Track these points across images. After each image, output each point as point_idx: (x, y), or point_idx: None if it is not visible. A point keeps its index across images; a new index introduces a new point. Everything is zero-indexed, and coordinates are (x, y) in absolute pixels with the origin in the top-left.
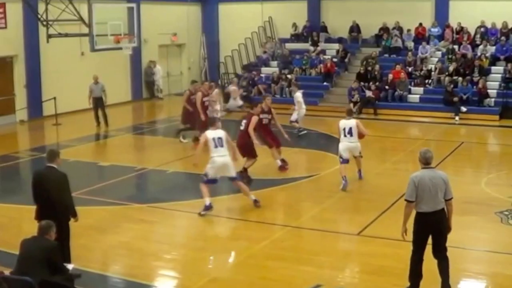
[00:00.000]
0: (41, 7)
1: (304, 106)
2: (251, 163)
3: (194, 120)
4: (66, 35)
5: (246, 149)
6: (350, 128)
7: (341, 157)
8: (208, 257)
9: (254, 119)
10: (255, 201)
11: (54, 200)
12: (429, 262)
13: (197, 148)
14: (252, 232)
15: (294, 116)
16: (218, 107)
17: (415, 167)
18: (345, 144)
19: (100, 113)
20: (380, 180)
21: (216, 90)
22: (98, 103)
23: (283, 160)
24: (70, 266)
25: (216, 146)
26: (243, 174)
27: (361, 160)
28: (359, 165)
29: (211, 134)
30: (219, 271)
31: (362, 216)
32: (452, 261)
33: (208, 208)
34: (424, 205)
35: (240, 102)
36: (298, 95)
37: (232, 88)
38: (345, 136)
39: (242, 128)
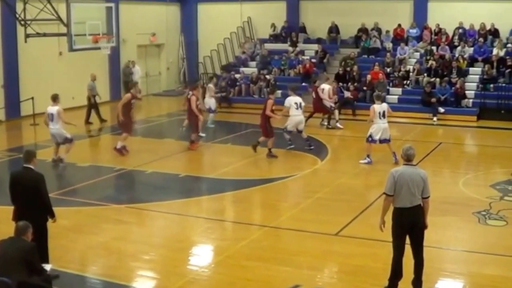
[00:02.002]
0: (19, 7)
1: (296, 113)
2: (271, 142)
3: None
4: (44, 34)
5: (265, 130)
6: (384, 111)
7: (371, 137)
8: (186, 257)
9: (270, 102)
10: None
11: (31, 200)
12: (409, 261)
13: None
14: (231, 232)
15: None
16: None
17: (393, 167)
18: (379, 126)
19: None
20: (359, 181)
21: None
22: (95, 100)
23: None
24: (48, 267)
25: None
26: (269, 154)
27: (391, 145)
28: (392, 148)
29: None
30: (197, 271)
31: (340, 216)
32: (430, 261)
33: None
34: (401, 200)
35: (211, 103)
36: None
37: (210, 86)
38: (380, 118)
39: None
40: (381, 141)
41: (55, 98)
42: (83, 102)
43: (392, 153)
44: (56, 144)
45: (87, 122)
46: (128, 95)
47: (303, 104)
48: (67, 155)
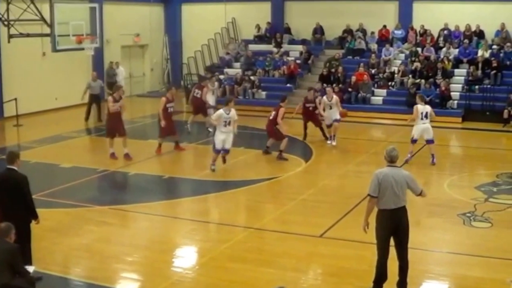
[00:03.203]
0: (2, 7)
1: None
2: (284, 144)
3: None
4: (28, 35)
5: (274, 134)
6: (427, 112)
7: (413, 137)
8: (170, 259)
9: (282, 111)
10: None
11: (14, 202)
12: (393, 263)
13: None
14: (215, 234)
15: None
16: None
17: (378, 169)
18: (420, 126)
19: (96, 108)
20: (343, 182)
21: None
22: (95, 99)
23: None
24: (31, 269)
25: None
26: (280, 156)
27: (432, 147)
28: (432, 151)
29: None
30: (181, 273)
31: (325, 218)
32: (415, 263)
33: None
34: (385, 201)
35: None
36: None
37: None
38: (421, 119)
39: (271, 117)
40: (427, 141)
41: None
42: (67, 103)
43: (431, 155)
44: None
45: (87, 118)
46: (163, 98)
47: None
48: None
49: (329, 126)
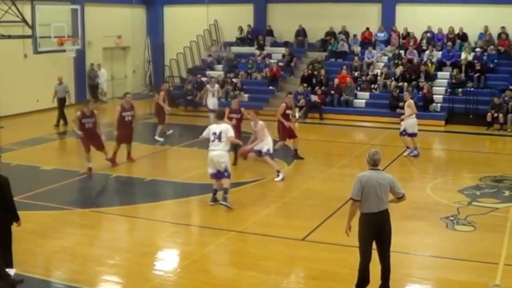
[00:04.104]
0: None
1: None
2: (296, 143)
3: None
4: (9, 36)
5: (283, 133)
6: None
7: (413, 132)
8: (152, 262)
9: (282, 106)
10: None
11: None
12: (375, 267)
13: None
14: (197, 237)
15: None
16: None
17: (361, 171)
18: (415, 120)
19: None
20: (326, 185)
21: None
22: (62, 103)
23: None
24: (12, 272)
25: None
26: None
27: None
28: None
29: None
30: (163, 276)
31: (307, 222)
32: (397, 266)
33: None
34: (368, 205)
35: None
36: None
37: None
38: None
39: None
40: (415, 135)
41: None
42: (48, 105)
43: (415, 147)
44: None
45: (58, 123)
46: (118, 107)
47: None
48: None
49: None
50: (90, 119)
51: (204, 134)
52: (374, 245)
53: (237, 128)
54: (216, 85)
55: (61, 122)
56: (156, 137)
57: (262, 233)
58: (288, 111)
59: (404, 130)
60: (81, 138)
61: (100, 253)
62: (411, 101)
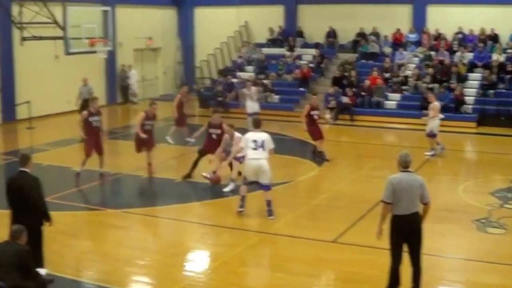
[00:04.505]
0: (15, 10)
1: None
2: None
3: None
4: (41, 38)
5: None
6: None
7: (434, 132)
8: (181, 263)
9: (306, 108)
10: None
11: (27, 204)
12: (406, 269)
13: None
14: (227, 238)
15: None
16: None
17: (392, 174)
18: (438, 122)
19: None
20: (356, 187)
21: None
22: (85, 105)
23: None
24: (43, 271)
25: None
26: (321, 155)
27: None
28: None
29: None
30: (193, 277)
31: (338, 223)
32: (428, 269)
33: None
34: (400, 207)
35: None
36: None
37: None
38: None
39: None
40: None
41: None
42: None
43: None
44: None
45: None
46: (142, 113)
47: None
48: None
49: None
50: (97, 117)
51: (241, 143)
52: (405, 248)
53: (218, 144)
54: (253, 88)
55: None
56: (168, 138)
57: (292, 235)
58: (313, 112)
59: (431, 131)
60: (85, 141)
61: (130, 254)
62: (436, 103)
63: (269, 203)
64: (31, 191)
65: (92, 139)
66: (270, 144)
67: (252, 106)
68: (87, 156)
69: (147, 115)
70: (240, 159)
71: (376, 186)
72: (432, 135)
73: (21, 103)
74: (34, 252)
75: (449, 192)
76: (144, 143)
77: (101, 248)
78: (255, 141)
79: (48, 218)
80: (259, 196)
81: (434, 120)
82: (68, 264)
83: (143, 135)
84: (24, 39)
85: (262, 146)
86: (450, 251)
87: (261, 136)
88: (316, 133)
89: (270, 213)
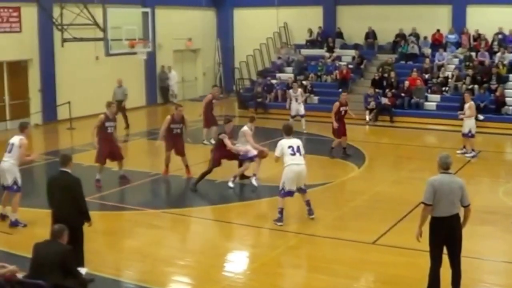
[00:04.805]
0: (56, 11)
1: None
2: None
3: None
4: (81, 39)
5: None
6: None
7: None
8: (221, 263)
9: (335, 105)
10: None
11: (67, 204)
12: (446, 272)
13: None
14: (266, 239)
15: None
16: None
17: (432, 175)
18: (474, 121)
19: (121, 116)
20: (396, 189)
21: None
22: (119, 106)
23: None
24: (83, 270)
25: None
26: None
27: None
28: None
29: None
30: (232, 278)
31: (377, 225)
32: (469, 272)
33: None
34: (440, 209)
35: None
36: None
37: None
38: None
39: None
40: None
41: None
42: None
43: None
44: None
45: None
46: (168, 117)
47: None
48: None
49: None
50: (113, 123)
51: (277, 153)
52: (445, 250)
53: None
54: (299, 90)
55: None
56: (204, 141)
57: (332, 236)
58: (343, 108)
59: (470, 131)
60: (99, 147)
61: (169, 254)
62: (472, 102)
63: (308, 203)
64: (72, 191)
65: (106, 146)
66: (302, 149)
67: (297, 108)
68: (102, 163)
69: (173, 118)
70: (253, 159)
71: (416, 188)
72: (471, 136)
73: (61, 104)
74: (75, 251)
75: (489, 194)
76: (173, 146)
77: (141, 248)
78: (291, 147)
79: (88, 218)
80: (296, 197)
81: (470, 119)
82: (108, 264)
83: (161, 141)
84: (65, 40)
85: (299, 151)
86: (490, 253)
87: (295, 142)
88: (341, 130)
89: (310, 212)
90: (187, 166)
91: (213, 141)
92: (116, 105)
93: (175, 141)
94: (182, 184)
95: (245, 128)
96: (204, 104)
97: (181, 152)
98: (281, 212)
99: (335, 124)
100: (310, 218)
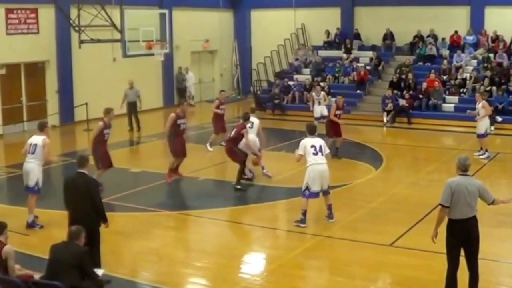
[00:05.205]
0: (73, 13)
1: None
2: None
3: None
4: (98, 40)
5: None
6: None
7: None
8: (238, 265)
9: (333, 107)
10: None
11: (84, 205)
12: (463, 274)
13: None
14: (283, 241)
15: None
16: None
17: (449, 177)
18: (488, 122)
19: (133, 118)
20: (414, 191)
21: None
22: (132, 108)
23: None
24: (100, 272)
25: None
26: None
27: None
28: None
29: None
30: (249, 279)
31: (395, 227)
32: (486, 274)
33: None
34: (457, 211)
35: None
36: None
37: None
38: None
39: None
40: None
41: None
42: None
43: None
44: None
45: (131, 128)
46: (173, 115)
47: None
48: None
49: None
50: (109, 130)
51: (300, 151)
52: (462, 252)
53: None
54: (322, 93)
55: (135, 127)
56: (207, 146)
57: (349, 238)
58: (337, 112)
59: (486, 131)
60: (103, 154)
61: (186, 255)
62: (485, 102)
63: (330, 207)
64: (89, 192)
65: (105, 152)
66: (326, 149)
67: (320, 110)
68: (107, 168)
69: (178, 115)
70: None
71: (434, 190)
72: (485, 135)
73: (79, 105)
74: (92, 252)
75: (506, 195)
76: (183, 149)
77: (158, 249)
78: (313, 146)
79: (105, 219)
80: (313, 199)
81: (485, 119)
82: (125, 265)
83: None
84: (82, 42)
85: (321, 150)
86: (508, 255)
87: (318, 141)
88: (338, 131)
89: (330, 216)
90: (177, 166)
91: (211, 148)
92: (128, 107)
93: (182, 140)
94: (198, 185)
95: (256, 119)
96: (213, 109)
97: (185, 153)
98: (304, 213)
99: (341, 122)
100: (329, 222)
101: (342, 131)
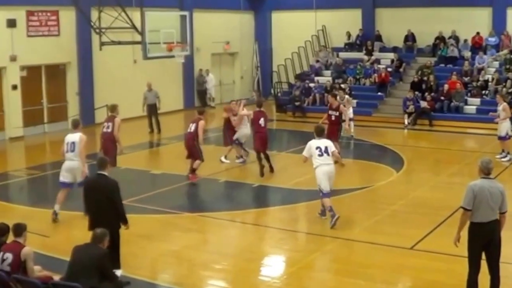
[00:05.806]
0: (94, 15)
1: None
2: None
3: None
4: (119, 42)
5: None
6: None
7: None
8: (258, 268)
9: (202, 123)
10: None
11: (105, 207)
12: (484, 278)
13: None
14: (303, 243)
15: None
16: None
17: (471, 180)
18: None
19: (153, 120)
20: (435, 193)
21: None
22: (152, 110)
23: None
24: (119, 273)
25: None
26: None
27: None
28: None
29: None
30: (269, 282)
31: (416, 230)
32: (507, 278)
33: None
34: (479, 214)
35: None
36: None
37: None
38: None
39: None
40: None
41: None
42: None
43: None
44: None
45: (151, 130)
46: (203, 122)
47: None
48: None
49: None
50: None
51: (305, 153)
52: (483, 256)
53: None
54: (346, 97)
55: (155, 129)
56: (222, 159)
57: (370, 241)
58: (332, 112)
59: (507, 133)
60: (117, 150)
61: (206, 258)
62: (506, 104)
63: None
64: (110, 193)
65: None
66: (332, 147)
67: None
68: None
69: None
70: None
71: (456, 193)
72: (507, 138)
73: (99, 107)
74: (112, 254)
75: None
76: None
77: (177, 251)
78: (318, 147)
79: (125, 221)
80: (336, 201)
81: (506, 121)
82: (145, 267)
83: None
84: (103, 44)
85: (327, 151)
86: None
87: (324, 142)
88: (333, 133)
89: (323, 213)
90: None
91: (226, 160)
92: (148, 109)
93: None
94: (218, 187)
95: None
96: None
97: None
98: (331, 209)
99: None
100: (323, 218)
101: (338, 135)
